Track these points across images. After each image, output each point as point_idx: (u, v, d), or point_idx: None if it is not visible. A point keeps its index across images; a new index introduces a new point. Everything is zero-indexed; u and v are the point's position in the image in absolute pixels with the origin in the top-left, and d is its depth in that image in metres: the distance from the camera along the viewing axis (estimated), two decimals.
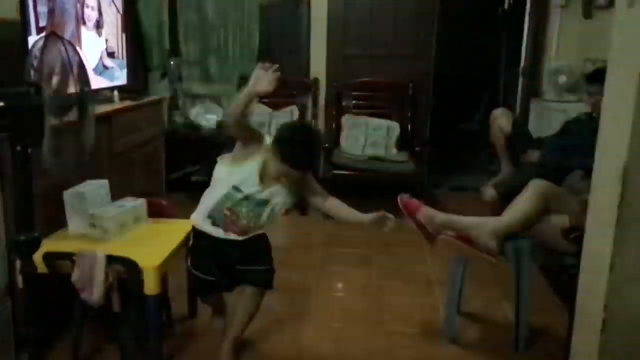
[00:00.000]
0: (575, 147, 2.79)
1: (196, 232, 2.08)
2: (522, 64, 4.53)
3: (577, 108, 3.37)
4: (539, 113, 4.19)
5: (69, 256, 1.94)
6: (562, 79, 3.99)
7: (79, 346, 2.12)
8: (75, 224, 2.19)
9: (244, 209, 2.00)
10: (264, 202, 2.02)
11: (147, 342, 2.02)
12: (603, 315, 0.91)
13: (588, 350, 1.01)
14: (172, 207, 2.50)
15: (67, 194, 2.18)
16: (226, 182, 1.99)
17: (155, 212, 2.40)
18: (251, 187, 1.98)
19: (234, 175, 1.99)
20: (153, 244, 2.12)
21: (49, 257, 1.94)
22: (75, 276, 1.92)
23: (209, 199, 2.04)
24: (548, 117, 3.91)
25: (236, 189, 1.97)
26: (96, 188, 2.25)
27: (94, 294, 1.91)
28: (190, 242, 2.11)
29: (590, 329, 0.99)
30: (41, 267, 1.90)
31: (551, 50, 4.31)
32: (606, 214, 0.96)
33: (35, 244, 1.69)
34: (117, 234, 2.14)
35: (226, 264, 2.06)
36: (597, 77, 2.61)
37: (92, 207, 2.18)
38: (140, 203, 2.31)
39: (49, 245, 1.98)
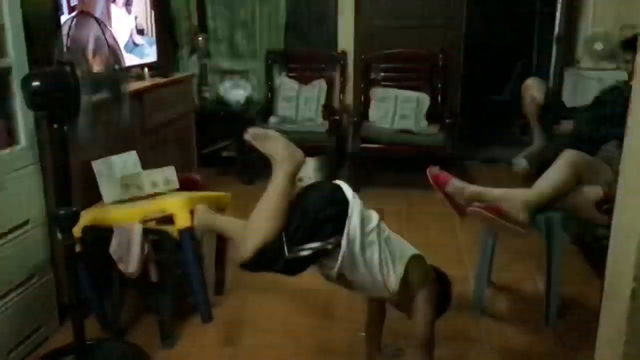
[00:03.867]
0: (610, 116, 2.72)
1: None
2: (556, 31, 4.40)
3: (613, 76, 3.27)
4: (573, 82, 4.08)
5: (107, 229, 2.02)
6: (599, 46, 3.87)
7: (118, 315, 2.21)
8: (108, 192, 2.27)
9: None
10: None
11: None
12: (633, 284, 0.91)
13: (617, 320, 1.01)
14: (204, 183, 2.55)
15: (96, 163, 2.26)
16: None
17: (188, 187, 2.45)
18: None
19: None
20: (184, 196, 2.23)
21: (87, 230, 2.02)
22: (113, 248, 1.99)
23: None
24: (583, 87, 3.80)
25: None
26: (125, 157, 2.35)
27: (131, 265, 1.98)
28: None
29: (619, 299, 0.98)
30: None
31: (587, 17, 4.17)
32: (637, 182, 0.95)
33: (74, 218, 1.76)
34: (150, 189, 2.25)
35: None
36: (634, 44, 2.53)
37: (122, 173, 2.28)
38: (170, 168, 2.39)
39: (87, 217, 2.06)
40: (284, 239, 1.56)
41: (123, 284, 2.20)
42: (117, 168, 2.30)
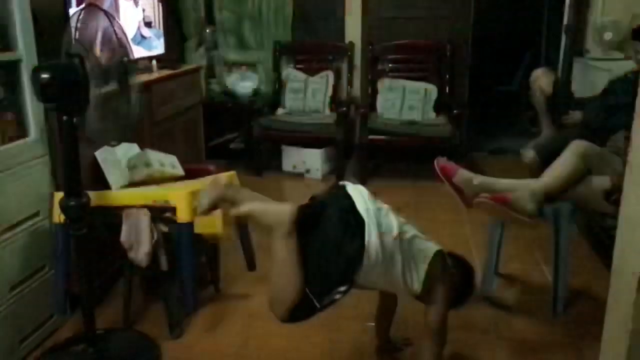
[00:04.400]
0: (620, 106, 2.70)
1: None
2: (565, 20, 4.36)
3: (623, 67, 3.23)
4: (582, 72, 4.04)
5: (116, 211, 2.05)
6: (608, 35, 3.82)
7: (129, 304, 2.24)
8: (114, 178, 2.30)
9: None
10: None
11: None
12: (639, 274, 0.91)
13: (622, 309, 1.01)
14: (220, 172, 2.57)
15: (99, 152, 2.29)
16: None
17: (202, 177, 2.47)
18: None
19: None
20: (190, 186, 2.22)
21: (96, 211, 2.02)
22: (123, 236, 2.01)
23: None
24: (592, 77, 3.77)
25: None
26: (127, 146, 2.40)
27: (141, 253, 2.00)
28: None
29: (625, 288, 0.99)
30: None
31: (597, 6, 4.12)
32: None
33: (84, 208, 1.78)
34: (159, 166, 2.30)
35: None
36: None
37: (125, 158, 2.33)
38: (173, 156, 2.44)
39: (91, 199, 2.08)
40: (310, 296, 1.51)
41: (132, 273, 2.22)
42: (120, 154, 2.34)
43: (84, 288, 1.88)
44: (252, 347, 2.12)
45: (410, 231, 1.68)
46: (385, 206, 1.66)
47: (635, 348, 1.03)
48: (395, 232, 1.59)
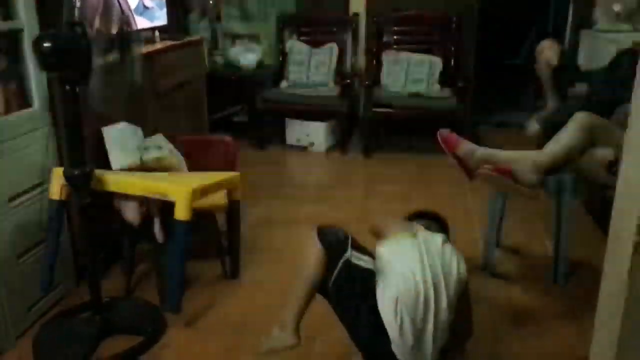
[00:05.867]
0: (626, 79, 2.67)
1: None
2: None
3: (631, 38, 3.20)
4: (589, 44, 3.99)
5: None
6: (617, 7, 3.77)
7: (130, 274, 2.29)
8: (115, 158, 2.26)
9: None
10: None
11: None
12: (635, 238, 0.92)
13: (619, 273, 1.02)
14: (235, 144, 2.59)
15: (106, 130, 2.27)
16: None
17: (219, 148, 2.50)
18: None
19: None
20: (194, 179, 2.17)
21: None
22: (115, 201, 2.03)
23: None
24: (599, 49, 3.72)
25: None
26: (134, 127, 2.37)
27: (130, 209, 2.02)
28: None
29: (622, 252, 1.00)
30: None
31: None
32: None
33: (88, 178, 1.80)
34: (168, 152, 2.30)
35: None
36: None
37: (132, 140, 2.30)
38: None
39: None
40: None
41: (133, 242, 2.24)
42: (127, 135, 2.31)
43: (89, 257, 1.91)
44: (255, 317, 2.15)
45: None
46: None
47: (630, 315, 1.04)
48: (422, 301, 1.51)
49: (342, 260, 1.55)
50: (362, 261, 1.59)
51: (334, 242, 1.58)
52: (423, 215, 1.94)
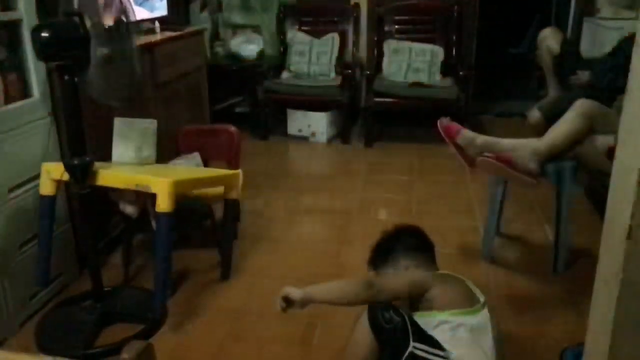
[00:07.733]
0: (628, 66, 2.66)
1: None
2: None
3: (634, 26, 3.17)
4: (592, 32, 3.97)
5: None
6: None
7: (128, 263, 2.31)
8: (120, 151, 2.22)
9: None
10: None
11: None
12: (629, 222, 0.92)
13: (614, 258, 1.02)
14: (238, 134, 2.59)
15: (118, 120, 2.23)
16: None
17: (223, 138, 2.50)
18: None
19: None
20: (180, 173, 2.16)
21: None
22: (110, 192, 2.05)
23: None
24: (602, 37, 3.70)
25: None
26: (148, 122, 2.33)
27: (128, 204, 2.04)
28: None
29: (616, 237, 1.00)
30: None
31: None
32: (637, 124, 0.95)
33: (88, 168, 1.81)
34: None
35: None
36: None
37: (142, 136, 2.26)
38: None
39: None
40: None
41: (130, 231, 2.26)
42: (138, 129, 2.26)
43: (90, 246, 1.92)
44: (256, 302, 2.17)
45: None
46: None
47: (625, 297, 1.04)
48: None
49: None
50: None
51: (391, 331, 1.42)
52: (404, 240, 1.82)
